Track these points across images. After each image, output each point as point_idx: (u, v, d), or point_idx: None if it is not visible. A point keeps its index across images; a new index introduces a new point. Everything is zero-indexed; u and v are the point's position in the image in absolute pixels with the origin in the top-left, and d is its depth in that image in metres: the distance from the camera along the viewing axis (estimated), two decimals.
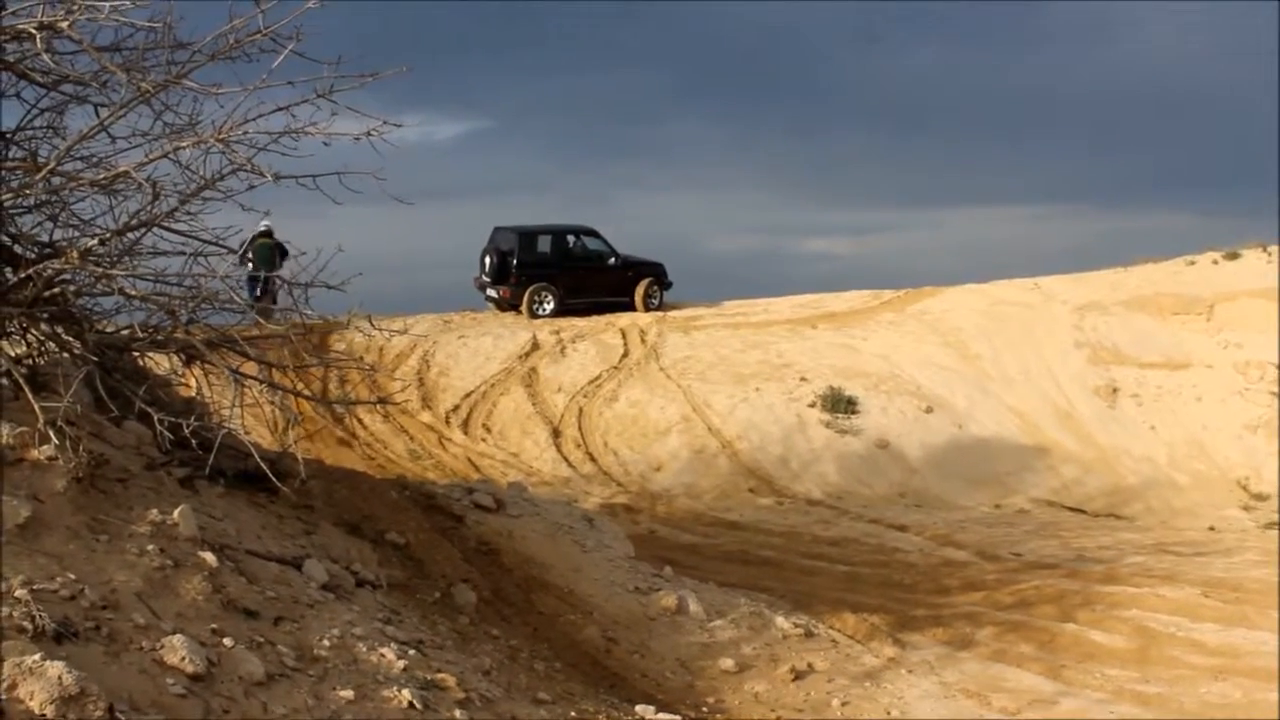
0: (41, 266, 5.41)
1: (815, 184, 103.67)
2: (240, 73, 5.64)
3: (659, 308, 25.08)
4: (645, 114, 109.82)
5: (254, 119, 5.47)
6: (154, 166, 5.58)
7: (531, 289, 24.11)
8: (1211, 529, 15.95)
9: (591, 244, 25.31)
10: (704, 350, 21.93)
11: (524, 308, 24.09)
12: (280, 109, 5.53)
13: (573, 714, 5.41)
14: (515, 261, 24.22)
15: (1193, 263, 25.73)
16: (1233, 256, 25.50)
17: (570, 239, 25.35)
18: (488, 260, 24.74)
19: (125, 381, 5.90)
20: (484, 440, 18.39)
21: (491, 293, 24.75)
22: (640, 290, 24.94)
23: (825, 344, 22.42)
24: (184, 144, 5.47)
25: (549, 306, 24.15)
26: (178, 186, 5.72)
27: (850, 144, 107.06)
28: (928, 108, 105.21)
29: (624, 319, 24.06)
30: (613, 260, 25.07)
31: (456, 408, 19.38)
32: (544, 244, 25.01)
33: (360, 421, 18.09)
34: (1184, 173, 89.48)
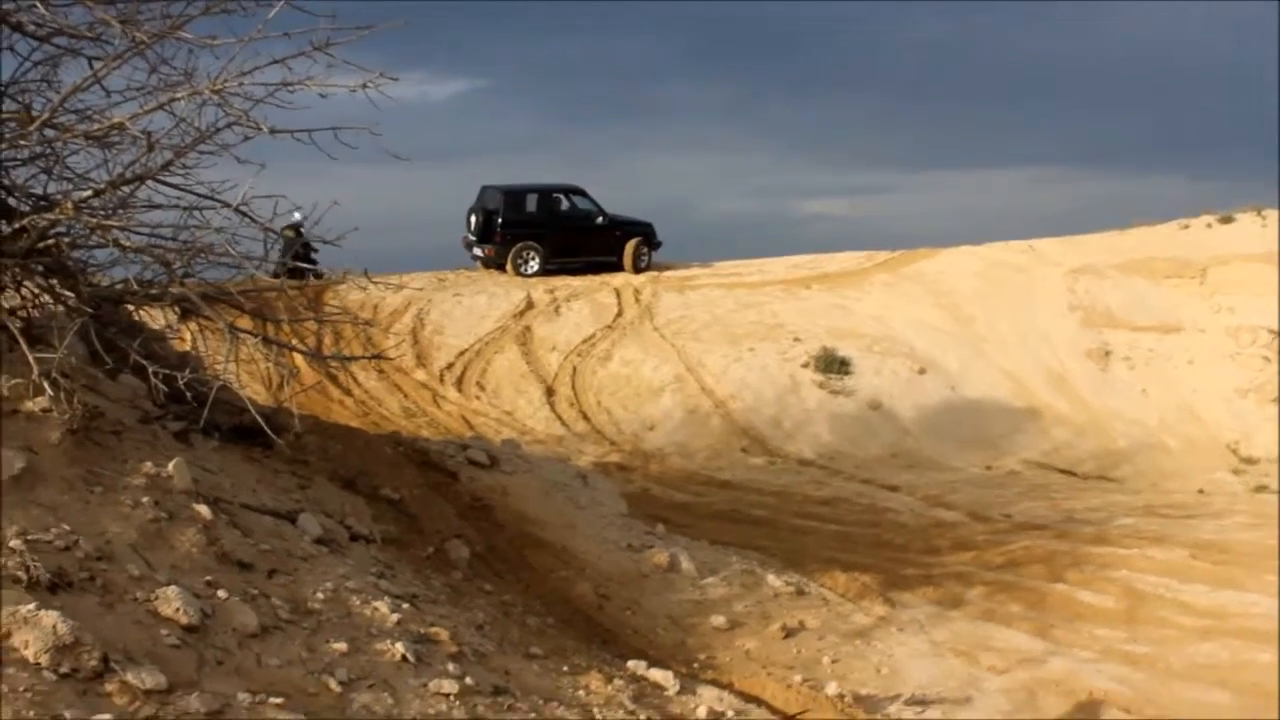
0: (36, 218, 5.40)
1: (814, 146, 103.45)
2: (235, 26, 5.62)
3: (647, 268, 24.99)
4: (645, 75, 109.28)
5: (249, 71, 5.45)
6: (149, 119, 5.57)
7: (516, 247, 24.04)
8: (1201, 492, 16.02)
9: (579, 203, 25.17)
10: (698, 310, 21.94)
11: (509, 266, 24.03)
12: (276, 62, 5.51)
13: (565, 668, 5.45)
14: (500, 220, 24.16)
15: (1187, 226, 25.76)
16: (1227, 220, 25.53)
17: (557, 198, 25.22)
18: (473, 219, 24.70)
19: (120, 335, 5.91)
20: (478, 398, 18.41)
21: (477, 251, 24.66)
22: (629, 250, 24.84)
23: (819, 305, 22.44)
24: (179, 96, 5.45)
25: (534, 265, 24.07)
26: (172, 140, 5.71)
27: (849, 107, 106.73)
28: (928, 72, 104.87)
29: (618, 278, 24.06)
30: (600, 220, 24.95)
31: (450, 365, 19.39)
32: (530, 203, 24.91)
33: (354, 379, 18.09)
34: (1180, 137, 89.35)
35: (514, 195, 24.70)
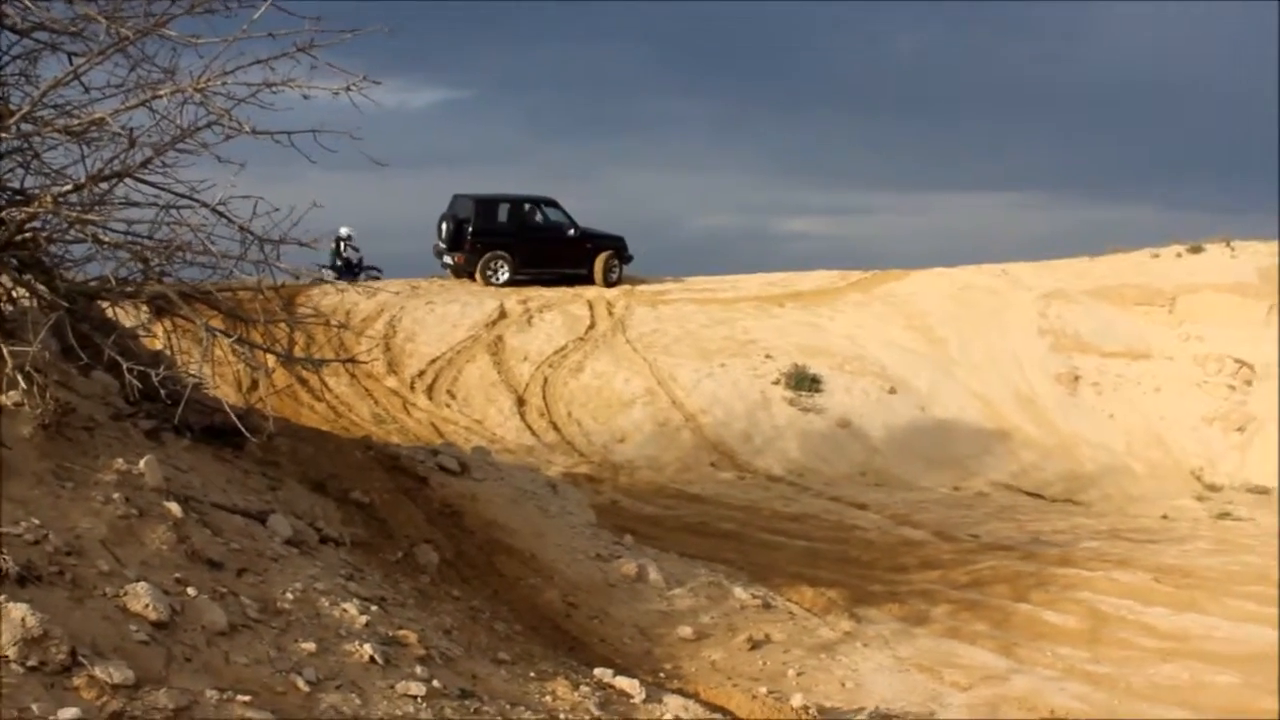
0: (13, 211, 5.39)
1: (797, 164, 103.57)
2: (219, 25, 5.63)
3: (618, 281, 24.88)
4: (629, 90, 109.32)
5: (232, 71, 5.46)
6: (129, 116, 5.56)
7: (486, 257, 23.91)
8: (1165, 517, 16.14)
9: (551, 215, 25.03)
10: (670, 325, 21.98)
11: (478, 275, 23.91)
12: (259, 62, 5.52)
13: (532, 674, 5.46)
14: (471, 229, 24.01)
15: (1157, 255, 25.97)
16: (1196, 250, 25.75)
17: (528, 208, 25.07)
18: (444, 227, 24.56)
19: (94, 331, 5.90)
20: (448, 406, 18.39)
21: (447, 259, 24.52)
22: (600, 263, 24.70)
23: (791, 322, 22.52)
24: (161, 93, 5.45)
25: (503, 275, 23.94)
26: (152, 138, 5.70)
27: (834, 126, 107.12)
28: (912, 94, 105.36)
29: (591, 291, 24.06)
30: (572, 232, 24.78)
31: (422, 373, 19.36)
32: (501, 212, 24.75)
33: (325, 384, 18.03)
34: (1155, 166, 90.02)
35: (485, 204, 24.55)
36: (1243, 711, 6.87)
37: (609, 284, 24.55)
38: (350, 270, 24.34)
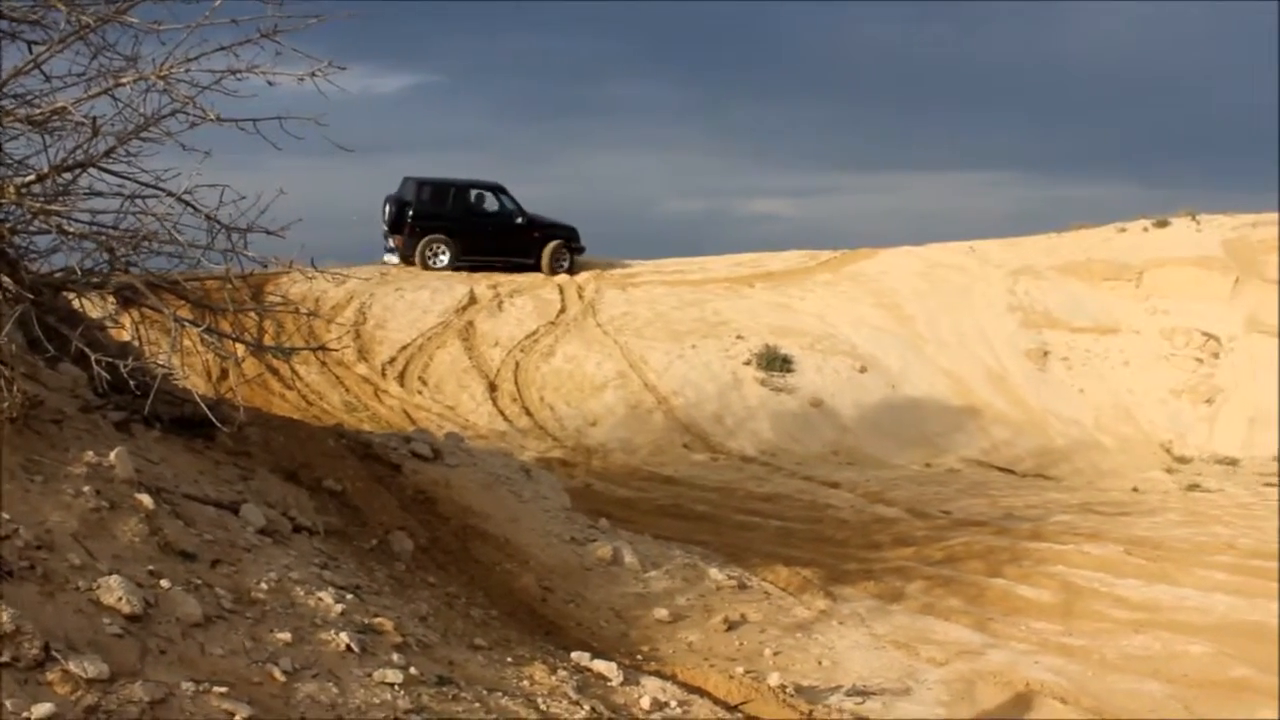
0: None
1: (762, 147, 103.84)
2: (181, 12, 5.56)
3: (568, 271, 24.60)
4: (596, 75, 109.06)
5: (196, 58, 5.40)
6: (92, 104, 5.50)
7: (425, 240, 23.85)
8: (1135, 490, 16.31)
9: (498, 201, 24.88)
10: (641, 307, 21.98)
11: (417, 259, 23.81)
12: (223, 49, 5.46)
13: (509, 659, 5.46)
14: (411, 212, 23.93)
15: (1124, 230, 26.13)
16: (1162, 224, 25.92)
17: (474, 194, 24.93)
18: (387, 209, 24.46)
19: (61, 323, 5.84)
20: (420, 393, 18.34)
21: (389, 243, 24.42)
22: (547, 252, 24.51)
23: (762, 303, 22.57)
24: (124, 81, 5.39)
25: (444, 260, 23.86)
26: (115, 127, 5.64)
27: (801, 110, 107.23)
28: (876, 77, 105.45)
29: (561, 275, 24.04)
30: (519, 220, 24.65)
31: (393, 360, 19.30)
32: (443, 196, 24.56)
33: (296, 373, 17.96)
34: (1121, 145, 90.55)
35: (426, 187, 24.43)
36: (1215, 681, 6.94)
37: (555, 273, 24.27)
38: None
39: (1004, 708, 6.36)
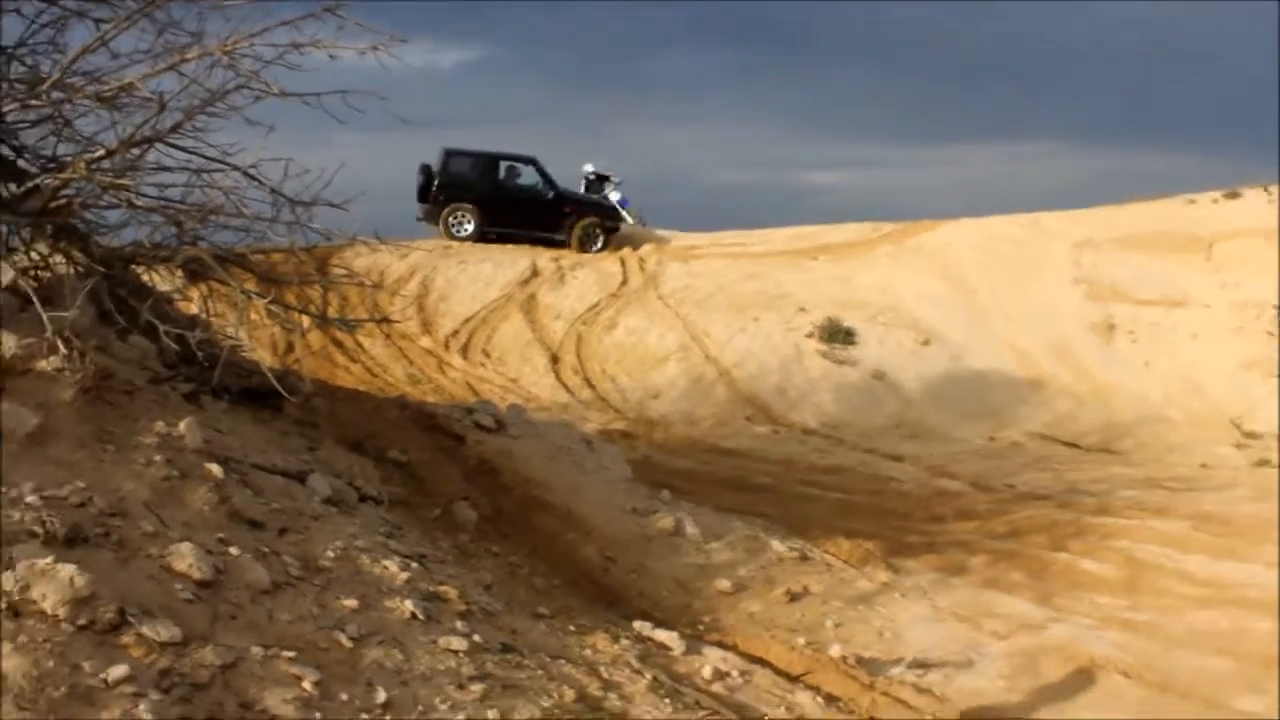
0: (46, 179, 5.43)
1: (820, 119, 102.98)
2: None
3: (602, 250, 24.24)
4: (652, 47, 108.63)
5: (259, 33, 5.46)
6: (158, 80, 5.58)
7: (449, 208, 23.89)
8: (1204, 465, 16.05)
9: (528, 175, 24.82)
10: (702, 280, 21.94)
11: (441, 227, 23.88)
12: (285, 23, 5.52)
13: (571, 628, 5.51)
14: (437, 181, 24.02)
15: (1193, 201, 25.64)
16: (1233, 196, 25.39)
17: (503, 166, 24.88)
18: (419, 179, 24.56)
19: (130, 296, 5.94)
20: (483, 365, 18.46)
21: (418, 212, 24.56)
22: (578, 229, 24.26)
23: (823, 275, 22.44)
24: (189, 57, 5.46)
25: (468, 229, 23.83)
26: (181, 102, 5.73)
27: (857, 83, 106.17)
28: (935, 49, 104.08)
29: (623, 248, 24.05)
30: (550, 194, 24.52)
31: (456, 333, 19.43)
32: (468, 166, 24.55)
33: (360, 345, 18.14)
34: (1187, 114, 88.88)
35: (455, 158, 24.45)
36: None
37: (584, 250, 24.01)
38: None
39: (1066, 682, 6.32)
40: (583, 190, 25.51)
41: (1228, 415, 19.97)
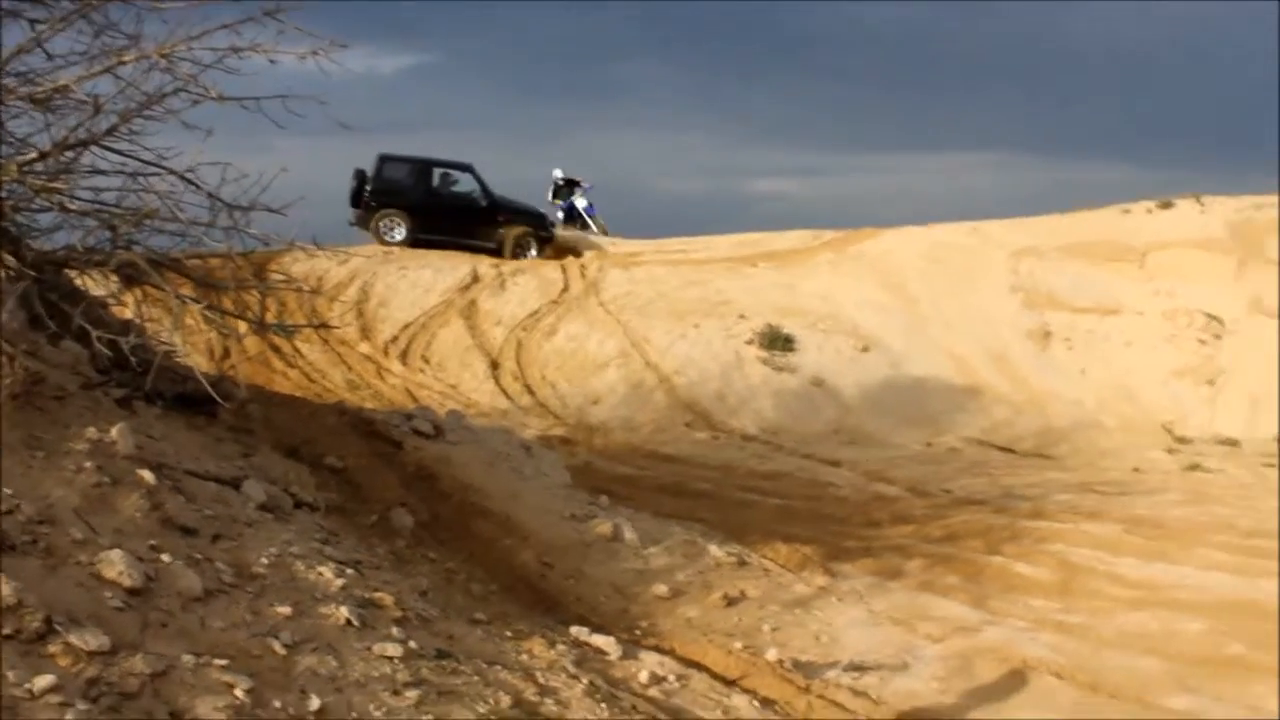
0: None
1: (766, 127, 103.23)
2: None
3: (539, 256, 24.28)
4: (600, 54, 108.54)
5: (198, 36, 5.42)
6: (94, 83, 5.53)
7: (380, 214, 23.78)
8: (1136, 470, 16.30)
9: (461, 182, 24.76)
10: (643, 286, 21.98)
11: (372, 232, 23.74)
12: (225, 27, 5.49)
13: (508, 634, 5.50)
14: (369, 187, 23.91)
15: (1128, 211, 26.00)
16: (1166, 206, 25.78)
17: (437, 173, 24.82)
18: (352, 184, 24.43)
19: (62, 300, 5.87)
20: (422, 371, 18.39)
21: (350, 216, 24.34)
22: (510, 238, 24.22)
23: (764, 283, 22.54)
24: (126, 59, 5.41)
25: (399, 235, 23.71)
26: (117, 105, 5.67)
27: (801, 91, 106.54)
28: (880, 57, 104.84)
29: (567, 255, 24.05)
30: (483, 202, 24.43)
31: (395, 339, 19.34)
32: (401, 172, 24.44)
33: (298, 351, 18.01)
34: (1124, 126, 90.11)
35: (388, 163, 24.32)
36: (1211, 658, 6.98)
37: (515, 259, 23.86)
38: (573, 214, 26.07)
39: (1000, 683, 6.40)
40: (550, 195, 25.38)
41: (1159, 421, 20.31)
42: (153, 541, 4.48)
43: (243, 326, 6.63)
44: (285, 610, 4.46)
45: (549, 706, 4.60)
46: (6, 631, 3.48)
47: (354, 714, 3.97)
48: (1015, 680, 6.45)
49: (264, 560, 4.87)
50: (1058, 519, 10.80)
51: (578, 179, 26.09)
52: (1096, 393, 20.81)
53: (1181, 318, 22.37)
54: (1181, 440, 19.58)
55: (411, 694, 4.20)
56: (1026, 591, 8.36)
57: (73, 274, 6.40)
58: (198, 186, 5.77)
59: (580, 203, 25.55)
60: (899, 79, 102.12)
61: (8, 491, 4.23)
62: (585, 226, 25.49)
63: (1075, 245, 24.41)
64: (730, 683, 5.71)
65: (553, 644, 5.38)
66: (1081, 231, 24.97)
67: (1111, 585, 8.57)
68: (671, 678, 5.48)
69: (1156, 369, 21.46)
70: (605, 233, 25.72)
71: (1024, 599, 8.16)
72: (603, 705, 4.78)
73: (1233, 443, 19.36)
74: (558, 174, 26.07)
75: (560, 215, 25.91)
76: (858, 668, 6.36)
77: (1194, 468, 16.70)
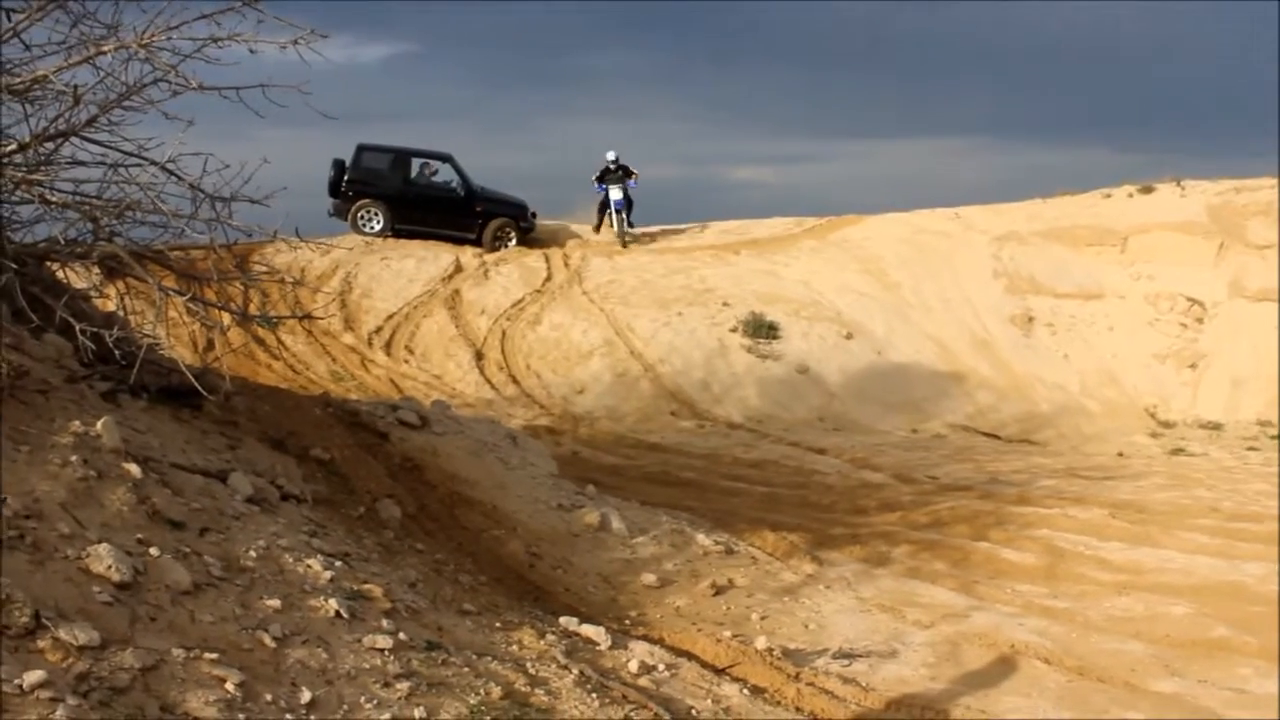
0: None
1: (742, 115, 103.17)
2: None
3: (519, 245, 24.06)
4: (581, 43, 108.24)
5: (177, 26, 5.38)
6: (73, 73, 5.48)
7: (358, 204, 23.60)
8: (1120, 454, 16.39)
9: (441, 172, 24.53)
10: (627, 275, 21.96)
11: (350, 223, 23.58)
12: (204, 17, 5.45)
13: (498, 625, 5.50)
14: (346, 177, 23.74)
15: (1109, 196, 26.10)
16: (1147, 190, 25.88)
17: (415, 163, 24.61)
18: (331, 174, 24.23)
19: (45, 293, 5.83)
20: (407, 362, 18.35)
21: (329, 206, 24.14)
22: (489, 229, 23.99)
23: (748, 270, 22.55)
24: (105, 49, 5.37)
25: (376, 225, 23.52)
26: (97, 96, 5.62)
27: (773, 78, 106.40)
28: (858, 43, 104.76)
29: (551, 245, 24.02)
30: (461, 192, 24.19)
31: (379, 329, 19.29)
32: (379, 162, 24.25)
33: (282, 343, 17.96)
34: (1107, 111, 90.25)
35: (366, 153, 24.15)
36: (1196, 641, 7.00)
37: (495, 250, 23.67)
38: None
39: (988, 669, 6.41)
40: (596, 176, 24.73)
41: (1142, 405, 20.43)
42: (140, 535, 4.46)
43: (226, 318, 6.59)
44: (275, 603, 4.45)
45: (540, 697, 4.60)
46: None
47: (345, 706, 3.97)
48: (1003, 665, 6.46)
49: (252, 553, 4.86)
50: (1043, 504, 10.82)
51: (632, 169, 25.03)
52: (1080, 377, 20.92)
53: (1163, 301, 22.49)
54: (1164, 424, 19.71)
55: (402, 686, 4.20)
56: (1013, 577, 8.38)
57: (55, 267, 6.36)
58: (179, 177, 5.73)
59: (615, 194, 24.79)
60: (880, 67, 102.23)
61: None
62: (615, 221, 24.69)
63: (1057, 230, 24.50)
64: (720, 671, 5.70)
65: (542, 634, 5.38)
66: (1063, 216, 25.07)
67: (1097, 570, 8.60)
68: (661, 667, 5.48)
69: (1139, 353, 21.59)
70: (625, 232, 24.82)
71: (1011, 584, 8.18)
72: (593, 695, 4.78)
73: (1215, 426, 19.49)
74: (611, 156, 25.02)
75: (599, 196, 24.90)
76: (847, 655, 6.36)
77: (1177, 451, 16.81)
